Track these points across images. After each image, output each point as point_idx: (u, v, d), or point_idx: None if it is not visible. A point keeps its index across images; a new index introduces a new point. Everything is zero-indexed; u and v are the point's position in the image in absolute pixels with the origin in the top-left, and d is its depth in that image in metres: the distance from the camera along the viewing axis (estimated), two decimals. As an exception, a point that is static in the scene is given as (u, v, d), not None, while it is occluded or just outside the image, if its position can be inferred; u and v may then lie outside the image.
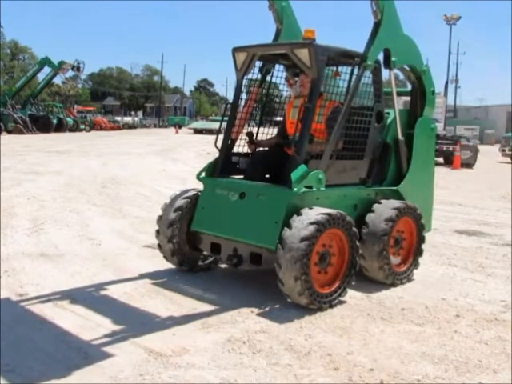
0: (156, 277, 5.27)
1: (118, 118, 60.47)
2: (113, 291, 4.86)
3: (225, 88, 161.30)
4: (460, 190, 13.43)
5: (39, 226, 7.37)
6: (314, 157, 4.82)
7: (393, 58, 5.34)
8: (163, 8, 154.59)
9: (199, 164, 6.24)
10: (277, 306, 4.53)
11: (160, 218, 5.32)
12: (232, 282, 5.19)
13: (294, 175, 4.56)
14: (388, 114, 5.64)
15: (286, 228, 4.38)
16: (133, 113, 74.07)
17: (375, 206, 5.15)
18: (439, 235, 7.53)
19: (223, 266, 5.60)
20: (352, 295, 4.83)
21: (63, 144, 25.71)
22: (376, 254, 4.97)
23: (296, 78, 5.66)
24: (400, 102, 5.67)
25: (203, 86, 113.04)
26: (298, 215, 4.43)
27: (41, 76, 42.11)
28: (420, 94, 5.87)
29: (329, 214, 4.41)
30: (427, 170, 5.99)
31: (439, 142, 19.15)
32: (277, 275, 4.37)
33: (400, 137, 5.56)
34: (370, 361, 3.58)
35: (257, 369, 3.42)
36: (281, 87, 6.09)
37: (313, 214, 4.40)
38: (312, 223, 4.29)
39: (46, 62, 39.52)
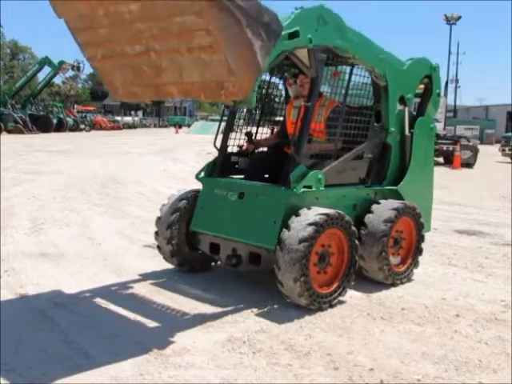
0: (156, 277, 5.27)
1: (118, 118, 60.50)
2: (113, 291, 4.86)
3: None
4: (460, 189, 13.43)
5: (39, 226, 7.38)
6: (323, 157, 4.86)
7: (407, 96, 5.49)
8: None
9: (199, 164, 6.27)
10: (277, 305, 4.53)
11: (158, 220, 5.31)
12: (232, 282, 5.19)
13: (293, 175, 4.56)
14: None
15: (284, 229, 4.37)
16: (133, 112, 74.06)
17: (374, 207, 5.15)
18: (439, 235, 7.53)
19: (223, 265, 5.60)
20: (352, 295, 4.83)
21: (63, 144, 25.73)
22: (375, 255, 4.97)
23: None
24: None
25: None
26: (296, 216, 4.42)
27: (41, 76, 42.18)
28: (427, 93, 5.87)
29: (327, 215, 4.40)
30: (426, 170, 5.99)
31: (439, 141, 19.15)
32: (276, 276, 4.37)
33: (407, 133, 5.58)
34: (370, 360, 3.58)
35: (257, 368, 3.42)
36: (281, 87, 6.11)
37: (311, 214, 4.40)
38: (310, 224, 4.28)
39: (45, 61, 39.54)
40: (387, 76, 5.23)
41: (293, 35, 4.30)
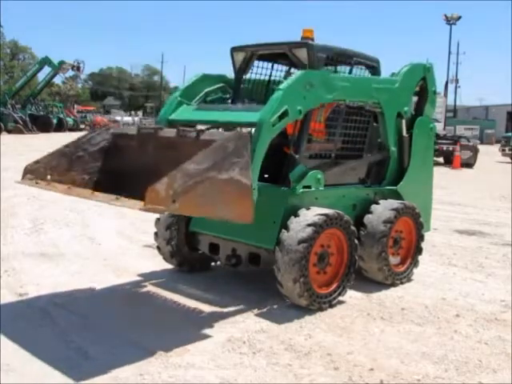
0: (156, 277, 5.27)
1: (118, 118, 60.43)
2: (113, 291, 4.86)
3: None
4: (460, 189, 13.43)
5: (39, 226, 7.38)
6: (323, 157, 4.88)
7: (404, 110, 5.49)
8: (163, 8, 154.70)
9: (199, 164, 6.27)
10: (277, 305, 4.53)
11: (158, 221, 5.31)
12: (232, 282, 5.19)
13: (293, 175, 4.56)
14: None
15: (283, 230, 4.37)
16: (133, 112, 73.98)
17: (373, 207, 5.14)
18: (439, 235, 7.53)
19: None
20: (352, 295, 4.83)
21: (63, 143, 25.68)
22: (375, 255, 4.97)
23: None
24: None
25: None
26: (295, 216, 4.41)
27: (41, 76, 42.09)
28: (423, 92, 5.86)
29: (326, 215, 4.40)
30: (426, 170, 5.98)
31: (439, 141, 19.15)
32: (276, 277, 4.36)
33: (404, 134, 5.58)
34: (370, 360, 3.58)
35: (257, 368, 3.42)
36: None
37: (310, 215, 4.39)
38: (309, 225, 4.28)
39: (45, 61, 39.46)
40: (381, 102, 5.24)
41: (282, 116, 4.28)
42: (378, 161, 5.49)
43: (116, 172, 4.48)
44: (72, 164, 4.41)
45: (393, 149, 5.48)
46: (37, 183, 4.11)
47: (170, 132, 4.32)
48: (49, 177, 4.21)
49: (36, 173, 4.19)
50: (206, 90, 5.19)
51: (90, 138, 4.58)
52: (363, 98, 5.10)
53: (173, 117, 4.93)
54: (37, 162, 4.27)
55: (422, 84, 5.79)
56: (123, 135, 4.64)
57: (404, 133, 5.59)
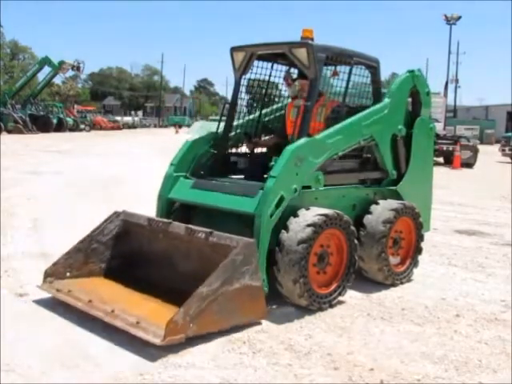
0: (156, 277, 5.26)
1: (118, 118, 60.44)
2: (113, 291, 4.85)
3: (225, 88, 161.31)
4: (460, 189, 13.43)
5: (39, 226, 7.37)
6: None
7: (398, 129, 5.46)
8: (163, 8, 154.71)
9: (199, 164, 6.27)
10: (277, 305, 4.52)
11: None
12: (232, 282, 5.18)
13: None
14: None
15: (283, 230, 4.36)
16: (133, 112, 73.98)
17: (373, 208, 5.14)
18: (439, 235, 7.53)
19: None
20: (352, 295, 4.83)
21: (63, 143, 25.71)
22: (375, 256, 4.97)
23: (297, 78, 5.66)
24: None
25: (203, 86, 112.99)
26: (294, 217, 4.41)
27: (41, 76, 42.10)
28: (416, 96, 5.81)
29: (325, 215, 4.40)
30: (426, 170, 5.98)
31: (439, 141, 19.15)
32: (275, 278, 4.36)
33: (399, 137, 5.56)
34: (370, 360, 3.58)
35: (257, 368, 3.42)
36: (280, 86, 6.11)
37: (309, 215, 4.38)
38: (309, 225, 4.27)
39: (45, 61, 39.47)
40: (374, 135, 5.21)
41: (279, 203, 4.28)
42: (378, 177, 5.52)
43: (128, 257, 4.77)
44: (88, 257, 4.71)
45: (393, 172, 5.49)
46: (58, 291, 4.34)
47: (180, 228, 4.46)
48: (68, 274, 4.54)
49: (55, 274, 4.50)
50: (198, 154, 5.30)
51: (103, 229, 4.84)
52: (355, 140, 5.05)
53: (172, 195, 5.06)
54: (55, 263, 4.56)
55: (413, 90, 5.71)
56: (134, 224, 4.86)
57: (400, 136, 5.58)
